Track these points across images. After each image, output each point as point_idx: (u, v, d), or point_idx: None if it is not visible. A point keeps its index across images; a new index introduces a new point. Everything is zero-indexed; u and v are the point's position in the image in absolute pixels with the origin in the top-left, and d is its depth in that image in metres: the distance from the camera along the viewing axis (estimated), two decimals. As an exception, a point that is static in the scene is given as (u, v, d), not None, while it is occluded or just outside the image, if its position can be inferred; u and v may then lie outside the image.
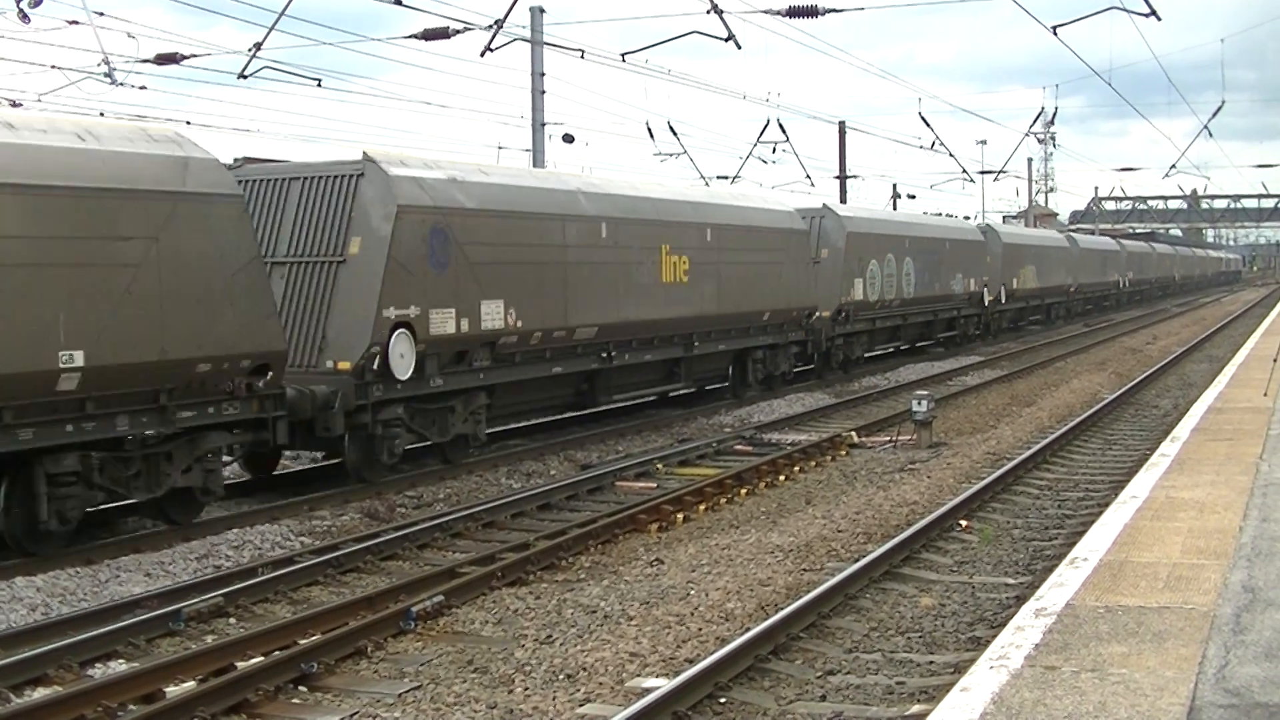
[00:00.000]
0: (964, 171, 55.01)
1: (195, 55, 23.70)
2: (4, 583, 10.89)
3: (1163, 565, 8.19)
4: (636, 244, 20.82)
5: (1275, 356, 21.73)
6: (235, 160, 16.34)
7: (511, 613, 10.35)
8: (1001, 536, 12.92)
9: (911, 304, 33.81)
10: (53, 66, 23.72)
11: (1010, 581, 11.08)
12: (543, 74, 27.06)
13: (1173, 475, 11.66)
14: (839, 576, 10.53)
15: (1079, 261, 55.69)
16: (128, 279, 12.08)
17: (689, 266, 22.21)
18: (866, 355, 32.03)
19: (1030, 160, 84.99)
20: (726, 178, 43.91)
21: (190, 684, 8.53)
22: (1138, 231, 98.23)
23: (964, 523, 13.25)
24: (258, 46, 21.64)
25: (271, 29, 21.52)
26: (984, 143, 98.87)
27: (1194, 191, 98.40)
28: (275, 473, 16.73)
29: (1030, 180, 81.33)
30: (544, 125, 27.54)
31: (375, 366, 15.37)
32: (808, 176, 44.44)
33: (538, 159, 27.57)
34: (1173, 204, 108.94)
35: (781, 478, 16.64)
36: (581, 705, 8.09)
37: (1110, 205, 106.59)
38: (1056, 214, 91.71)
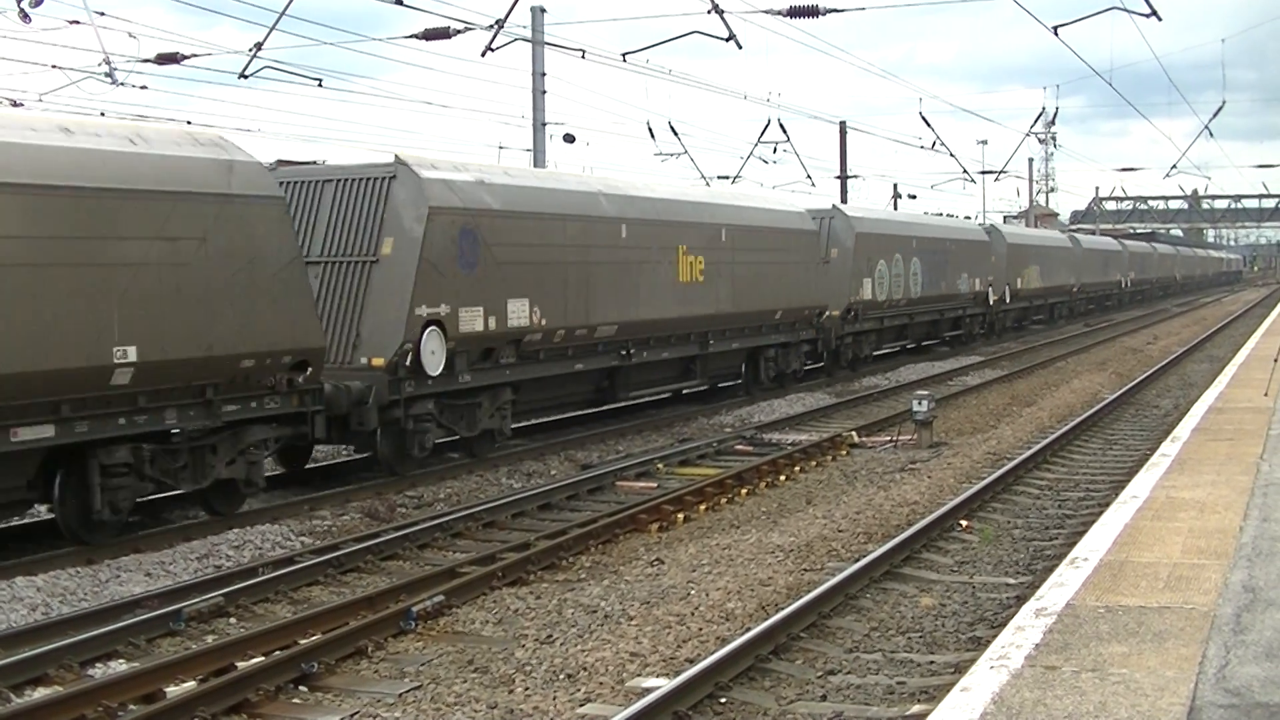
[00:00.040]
0: (965, 171, 55.03)
1: (196, 55, 23.73)
2: (4, 582, 10.89)
3: (1163, 565, 8.19)
4: (655, 244, 21.26)
5: (1276, 356, 21.73)
6: (271, 163, 16.63)
7: (512, 612, 10.35)
8: (1002, 536, 12.92)
9: (918, 303, 34.16)
10: (53, 66, 23.75)
11: (1011, 581, 11.08)
12: (543, 74, 27.08)
13: (1173, 475, 11.66)
14: (839, 576, 10.53)
15: (1082, 262, 55.86)
16: (177, 278, 12.57)
17: (704, 266, 22.64)
18: (875, 354, 32.40)
19: (1031, 160, 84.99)
20: (727, 178, 43.88)
21: (191, 684, 8.53)
22: (1138, 231, 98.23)
23: (964, 523, 13.25)
24: (258, 46, 21.66)
25: (272, 29, 21.55)
26: (985, 143, 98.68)
27: (1195, 191, 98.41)
28: (307, 466, 17.06)
29: (1031, 180, 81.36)
30: (545, 125, 27.57)
31: (408, 363, 15.82)
32: (808, 176, 44.42)
33: (538, 159, 27.59)
34: (1173, 204, 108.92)
35: (782, 478, 16.64)
36: (582, 705, 8.09)
37: (1111, 205, 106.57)
38: (1057, 214, 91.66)
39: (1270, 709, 5.53)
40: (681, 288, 21.94)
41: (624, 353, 20.47)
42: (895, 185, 60.84)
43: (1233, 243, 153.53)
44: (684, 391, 24.51)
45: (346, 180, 16.64)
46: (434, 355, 16.07)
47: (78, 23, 22.73)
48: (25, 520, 13.69)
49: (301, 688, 8.70)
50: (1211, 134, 54.20)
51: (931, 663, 8.86)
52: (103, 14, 29.54)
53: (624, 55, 24.34)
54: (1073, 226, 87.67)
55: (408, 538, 12.92)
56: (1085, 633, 6.74)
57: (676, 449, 18.76)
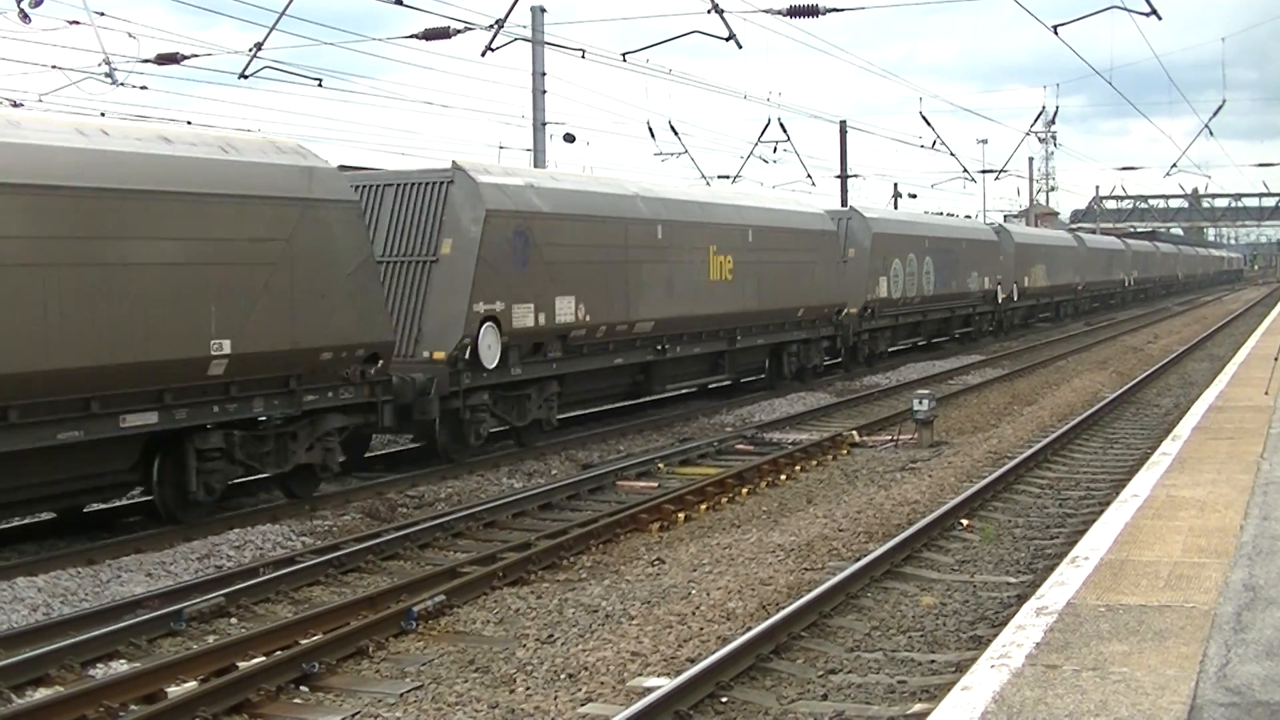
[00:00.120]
0: (965, 171, 55.10)
1: (196, 55, 23.74)
2: (5, 583, 10.89)
3: (1164, 564, 8.19)
4: (688, 244, 22.35)
5: (1276, 355, 21.73)
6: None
7: (513, 612, 10.35)
8: (1003, 535, 12.92)
9: (931, 301, 35.20)
10: (53, 66, 23.76)
11: (1011, 580, 11.08)
12: (544, 74, 27.09)
13: (1174, 474, 11.66)
14: (840, 575, 10.53)
15: (1086, 260, 56.34)
16: (266, 276, 13.58)
17: (733, 265, 23.70)
18: (890, 350, 33.37)
19: (1031, 159, 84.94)
20: (727, 177, 43.86)
21: (192, 684, 8.53)
22: (1139, 230, 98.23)
23: (965, 521, 13.25)
24: (258, 46, 21.65)
25: (272, 29, 21.55)
26: (985, 142, 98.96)
27: (1195, 190, 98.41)
28: (366, 454, 17.81)
29: (1031, 179, 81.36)
30: (545, 125, 27.59)
31: (466, 356, 16.84)
32: (808, 176, 44.45)
33: (539, 159, 27.59)
34: (1174, 203, 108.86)
35: (783, 477, 16.64)
36: (583, 705, 8.09)
37: (1111, 204, 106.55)
38: (1058, 213, 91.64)
39: (1271, 707, 5.53)
40: (712, 286, 23.02)
41: (659, 348, 21.50)
42: (895, 185, 60.89)
43: (1233, 241, 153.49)
44: (710, 386, 25.48)
45: (407, 185, 17.64)
46: (490, 349, 17.14)
47: (77, 23, 22.74)
48: (25, 520, 13.70)
49: (302, 688, 8.70)
50: (1212, 133, 54.39)
51: (932, 662, 8.86)
52: (102, 14, 29.55)
53: (624, 55, 24.36)
54: (1073, 225, 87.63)
55: (408, 537, 12.92)
56: (1086, 631, 6.74)
57: (677, 448, 18.77)
